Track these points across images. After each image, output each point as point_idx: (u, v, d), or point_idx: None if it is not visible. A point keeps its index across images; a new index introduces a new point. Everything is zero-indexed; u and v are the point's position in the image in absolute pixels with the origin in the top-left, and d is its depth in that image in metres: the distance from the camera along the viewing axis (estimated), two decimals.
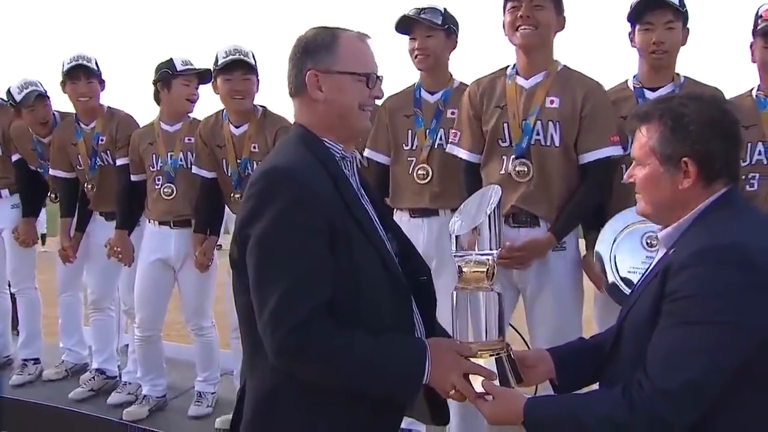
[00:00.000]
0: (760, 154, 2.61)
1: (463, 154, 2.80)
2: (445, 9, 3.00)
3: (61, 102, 4.08)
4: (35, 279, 4.34)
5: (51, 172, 4.03)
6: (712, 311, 1.39)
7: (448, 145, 2.88)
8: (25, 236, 4.17)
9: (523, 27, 2.59)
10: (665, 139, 1.53)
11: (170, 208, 3.54)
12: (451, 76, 3.10)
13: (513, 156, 2.62)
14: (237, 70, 3.21)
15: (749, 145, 2.59)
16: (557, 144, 2.59)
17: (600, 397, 1.51)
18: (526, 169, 2.60)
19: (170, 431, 3.49)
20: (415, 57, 3.00)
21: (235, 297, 1.74)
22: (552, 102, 2.60)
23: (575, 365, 1.74)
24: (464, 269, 1.70)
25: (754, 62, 2.65)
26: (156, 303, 3.61)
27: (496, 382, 1.59)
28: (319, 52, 1.67)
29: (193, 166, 3.47)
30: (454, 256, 1.71)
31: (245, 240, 1.59)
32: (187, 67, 3.55)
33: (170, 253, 3.55)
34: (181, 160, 3.55)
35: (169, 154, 3.55)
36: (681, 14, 2.60)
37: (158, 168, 3.56)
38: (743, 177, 2.54)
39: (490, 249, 1.66)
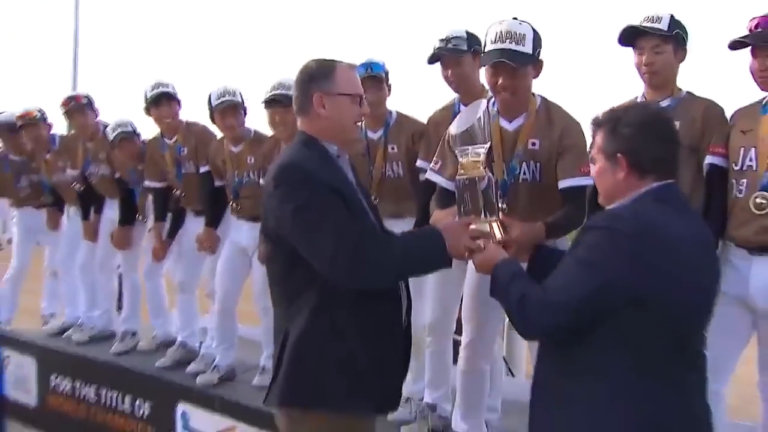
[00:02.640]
0: (750, 160, 2.70)
1: (443, 182, 2.95)
2: (467, 32, 3.27)
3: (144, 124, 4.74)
4: (138, 267, 5.06)
5: (145, 182, 4.68)
6: (592, 258, 1.79)
7: (428, 171, 3.10)
8: (124, 240, 4.89)
9: (503, 93, 2.73)
10: (607, 140, 1.92)
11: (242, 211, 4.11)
12: (483, 88, 3.24)
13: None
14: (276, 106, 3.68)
15: (742, 149, 2.71)
16: (538, 180, 2.77)
17: (531, 284, 1.92)
18: (505, 206, 2.66)
19: (236, 396, 3.97)
20: (450, 83, 3.32)
21: (268, 265, 2.31)
22: (533, 144, 2.77)
23: (548, 257, 2.17)
24: (462, 160, 2.30)
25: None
26: (233, 281, 4.18)
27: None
28: (321, 79, 2.22)
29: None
30: (456, 150, 2.33)
31: (281, 215, 2.13)
32: (220, 100, 4.02)
33: (247, 243, 4.09)
34: (245, 178, 4.06)
35: (235, 172, 4.11)
36: (669, 38, 2.83)
37: (230, 183, 4.14)
38: (734, 181, 2.71)
39: (483, 143, 2.29)
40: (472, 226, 2.19)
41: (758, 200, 2.66)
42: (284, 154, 2.38)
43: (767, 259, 2.69)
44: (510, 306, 1.93)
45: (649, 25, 2.85)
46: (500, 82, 2.66)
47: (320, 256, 2.07)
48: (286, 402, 2.22)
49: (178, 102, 4.50)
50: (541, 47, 2.70)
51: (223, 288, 4.19)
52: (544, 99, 2.85)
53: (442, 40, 3.28)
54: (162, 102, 4.40)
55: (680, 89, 2.96)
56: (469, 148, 2.31)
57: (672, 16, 2.87)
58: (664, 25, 2.84)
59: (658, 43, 2.85)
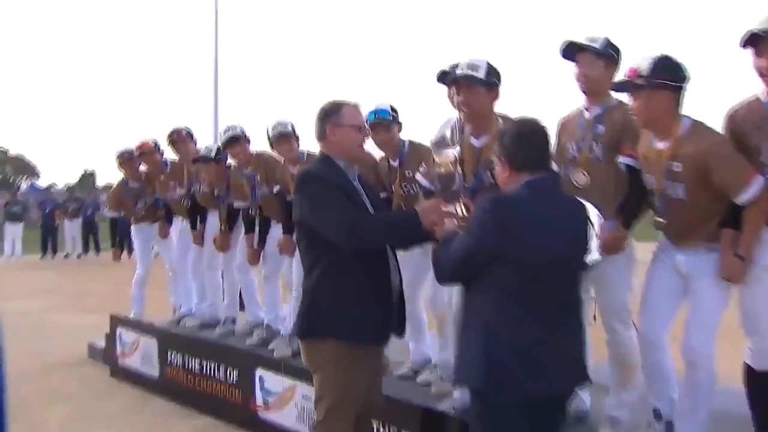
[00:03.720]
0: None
1: (425, 183, 3.93)
2: (488, 63, 3.49)
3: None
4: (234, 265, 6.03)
5: (234, 203, 5.76)
6: (472, 228, 2.62)
7: (417, 174, 4.03)
8: (224, 244, 5.98)
9: (461, 110, 3.46)
10: (497, 148, 2.72)
11: None
12: (496, 118, 3.56)
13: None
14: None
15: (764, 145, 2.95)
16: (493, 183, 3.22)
17: (448, 247, 2.71)
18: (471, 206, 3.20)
19: (296, 362, 4.58)
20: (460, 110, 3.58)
21: (298, 245, 3.38)
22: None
23: None
24: (438, 159, 3.38)
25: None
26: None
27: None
28: (332, 115, 3.17)
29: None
30: (434, 152, 3.42)
31: (301, 204, 3.12)
32: (275, 132, 5.05)
33: None
34: None
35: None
36: (602, 55, 3.37)
37: None
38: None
39: (453, 147, 3.30)
40: (445, 208, 2.98)
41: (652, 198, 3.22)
42: (305, 166, 3.37)
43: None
44: (433, 262, 2.79)
45: (586, 43, 3.41)
46: (458, 98, 3.43)
47: (328, 227, 2.98)
48: (305, 334, 3.16)
49: (247, 140, 5.52)
50: (497, 78, 3.46)
51: (297, 279, 5.07)
52: (504, 120, 3.47)
53: (462, 66, 3.51)
54: (233, 144, 5.44)
55: (612, 98, 3.45)
56: (443, 150, 3.22)
57: (607, 39, 3.43)
58: (599, 45, 3.40)
59: (593, 59, 3.40)
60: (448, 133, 3.38)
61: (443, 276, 2.79)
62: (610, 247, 3.22)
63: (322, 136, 3.20)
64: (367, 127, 3.33)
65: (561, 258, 2.58)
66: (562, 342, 2.61)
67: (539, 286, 2.55)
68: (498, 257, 2.51)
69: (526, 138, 2.66)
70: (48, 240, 19.21)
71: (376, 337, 3.20)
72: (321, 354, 3.12)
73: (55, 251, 19.16)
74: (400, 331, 3.30)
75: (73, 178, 61.03)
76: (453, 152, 3.29)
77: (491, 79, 3.45)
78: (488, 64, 3.46)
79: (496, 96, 3.52)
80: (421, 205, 3.11)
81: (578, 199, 2.81)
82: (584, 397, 3.73)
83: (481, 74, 3.41)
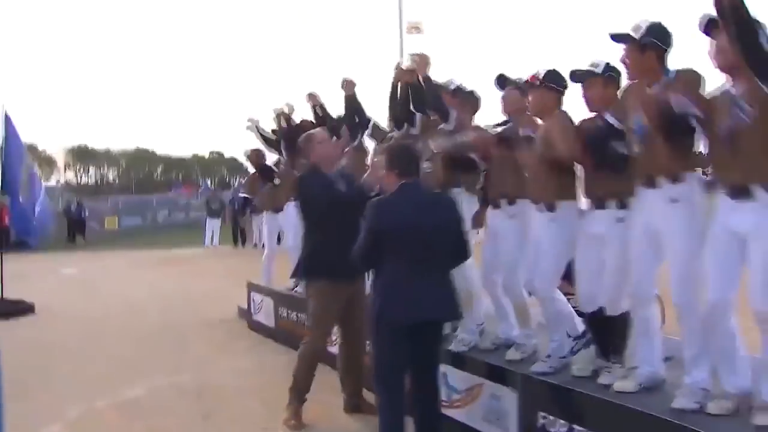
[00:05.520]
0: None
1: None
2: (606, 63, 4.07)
3: None
4: None
5: None
6: (365, 218, 4.15)
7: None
8: None
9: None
10: (383, 160, 4.28)
11: None
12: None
13: None
14: None
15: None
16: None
17: None
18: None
19: (482, 357, 4.74)
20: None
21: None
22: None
23: None
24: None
25: None
26: None
27: None
28: (311, 141, 5.16)
29: None
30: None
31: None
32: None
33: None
34: None
35: None
36: (599, 77, 4.03)
37: None
38: None
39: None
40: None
41: None
42: (300, 172, 5.43)
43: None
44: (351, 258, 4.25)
45: (587, 68, 4.07)
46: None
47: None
48: (302, 276, 5.22)
49: None
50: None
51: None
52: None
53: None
54: None
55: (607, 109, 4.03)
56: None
57: (607, 63, 4.03)
58: (599, 69, 4.04)
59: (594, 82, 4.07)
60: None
61: (358, 263, 4.22)
62: None
63: (307, 152, 5.28)
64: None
65: (419, 228, 3.99)
66: (424, 286, 3.97)
67: (405, 248, 3.99)
68: (378, 233, 4.04)
69: (396, 154, 4.23)
70: (237, 232, 22.37)
71: (342, 275, 4.89)
72: (311, 288, 5.13)
73: (243, 242, 22.33)
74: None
75: None
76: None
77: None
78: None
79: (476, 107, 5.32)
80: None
81: (440, 193, 4.52)
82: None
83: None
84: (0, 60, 79.62)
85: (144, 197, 31.75)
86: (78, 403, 5.85)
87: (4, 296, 10.28)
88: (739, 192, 3.28)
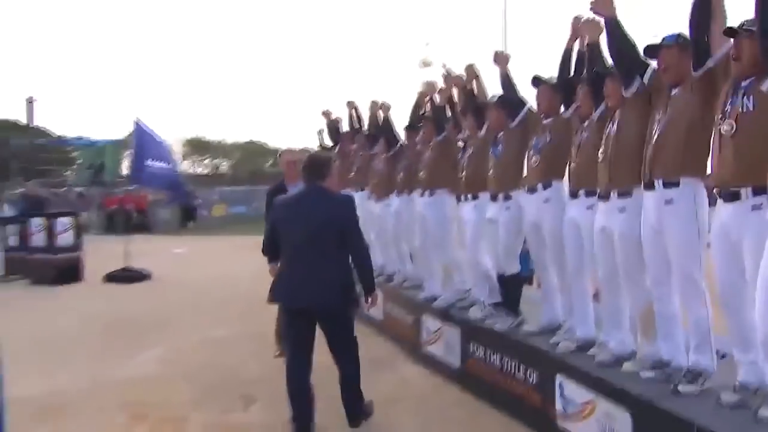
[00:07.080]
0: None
1: None
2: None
3: None
4: None
5: None
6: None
7: None
8: None
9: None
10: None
11: None
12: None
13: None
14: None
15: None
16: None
17: None
18: None
19: (597, 373, 4.24)
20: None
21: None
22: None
23: None
24: None
25: None
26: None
27: None
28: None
29: None
30: None
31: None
32: None
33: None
34: None
35: None
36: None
37: None
38: None
39: None
40: None
41: None
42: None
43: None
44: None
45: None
46: None
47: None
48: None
49: None
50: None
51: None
52: None
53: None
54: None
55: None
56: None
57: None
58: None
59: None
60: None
61: (265, 252, 4.98)
62: None
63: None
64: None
65: (304, 223, 4.51)
66: (305, 275, 4.43)
67: (293, 242, 4.54)
68: (276, 229, 4.69)
69: (304, 166, 4.78)
70: None
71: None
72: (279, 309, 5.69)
73: None
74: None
75: None
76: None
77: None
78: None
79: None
80: None
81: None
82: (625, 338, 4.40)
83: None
84: (131, 65, 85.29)
85: (249, 188, 34.15)
86: (173, 338, 8.13)
87: (129, 267, 13.04)
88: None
